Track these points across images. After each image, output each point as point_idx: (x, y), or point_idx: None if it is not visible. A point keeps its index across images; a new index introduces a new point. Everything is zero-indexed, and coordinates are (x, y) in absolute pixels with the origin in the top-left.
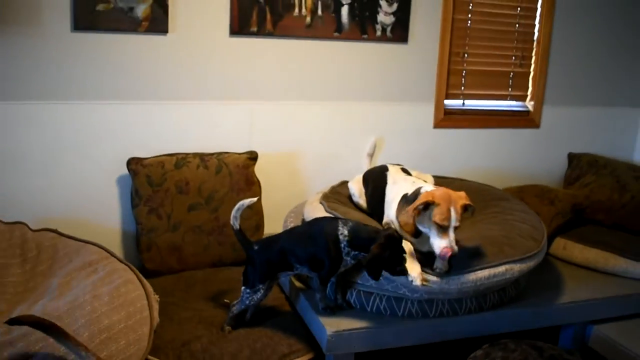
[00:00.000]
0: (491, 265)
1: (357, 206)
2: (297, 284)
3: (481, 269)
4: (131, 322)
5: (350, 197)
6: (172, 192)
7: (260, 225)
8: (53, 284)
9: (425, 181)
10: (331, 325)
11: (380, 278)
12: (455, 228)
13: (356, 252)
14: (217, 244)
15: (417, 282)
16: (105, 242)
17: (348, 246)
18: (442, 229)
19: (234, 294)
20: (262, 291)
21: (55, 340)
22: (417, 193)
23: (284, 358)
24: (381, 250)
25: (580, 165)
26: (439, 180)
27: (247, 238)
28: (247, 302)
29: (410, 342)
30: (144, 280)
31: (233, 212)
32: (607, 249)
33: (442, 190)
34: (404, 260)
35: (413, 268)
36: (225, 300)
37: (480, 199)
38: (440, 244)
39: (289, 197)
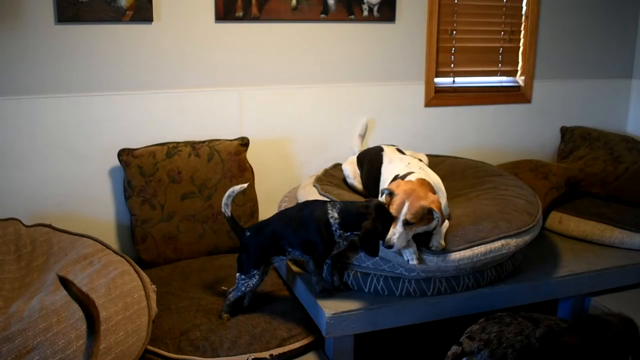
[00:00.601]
0: (487, 240)
1: (351, 188)
2: (294, 268)
3: (477, 245)
4: (129, 313)
5: (344, 180)
6: (164, 182)
7: (254, 211)
8: (49, 278)
9: (420, 160)
10: (329, 308)
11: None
12: (408, 223)
13: (348, 233)
14: (212, 232)
15: (414, 261)
16: (100, 235)
17: (340, 228)
18: (394, 219)
19: (231, 281)
20: (257, 277)
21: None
22: (404, 177)
23: (283, 342)
24: (374, 224)
25: (573, 138)
26: (433, 159)
27: (239, 225)
28: (243, 288)
29: (409, 321)
30: (141, 271)
31: (224, 200)
32: (603, 221)
33: (410, 185)
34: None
35: (409, 247)
36: (223, 288)
37: (474, 175)
38: (388, 234)
39: (283, 182)
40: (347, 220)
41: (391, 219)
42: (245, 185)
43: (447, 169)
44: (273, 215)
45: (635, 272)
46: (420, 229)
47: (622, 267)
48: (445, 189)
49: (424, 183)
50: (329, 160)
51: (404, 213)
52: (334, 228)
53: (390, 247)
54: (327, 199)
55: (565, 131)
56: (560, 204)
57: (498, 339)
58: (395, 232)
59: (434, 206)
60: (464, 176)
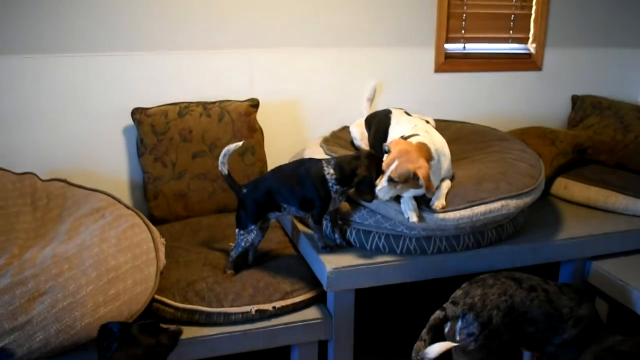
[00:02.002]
0: (487, 200)
1: (358, 150)
2: (299, 226)
3: (477, 204)
4: (138, 262)
5: (351, 142)
6: (176, 141)
7: (263, 171)
8: (62, 229)
9: (427, 122)
10: (331, 263)
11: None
12: (393, 181)
13: (345, 188)
14: (222, 191)
15: (414, 218)
16: (113, 192)
17: (337, 184)
18: (383, 172)
19: None
20: (255, 232)
21: None
22: (409, 137)
23: (286, 296)
24: (367, 170)
25: (583, 107)
26: (440, 124)
27: (235, 182)
28: (243, 244)
29: (409, 278)
30: (150, 225)
31: (220, 158)
32: (608, 187)
33: (406, 146)
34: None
35: (409, 205)
36: (230, 244)
37: (481, 139)
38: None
39: (292, 144)
40: (343, 175)
41: (381, 167)
42: (240, 143)
43: (453, 134)
44: (269, 172)
45: (638, 237)
46: (409, 191)
47: (625, 232)
48: (451, 151)
49: (421, 147)
50: (338, 123)
51: (391, 170)
52: (330, 184)
53: (373, 199)
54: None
55: (576, 100)
56: (567, 170)
57: (482, 301)
58: (380, 185)
59: (419, 172)
60: (469, 140)
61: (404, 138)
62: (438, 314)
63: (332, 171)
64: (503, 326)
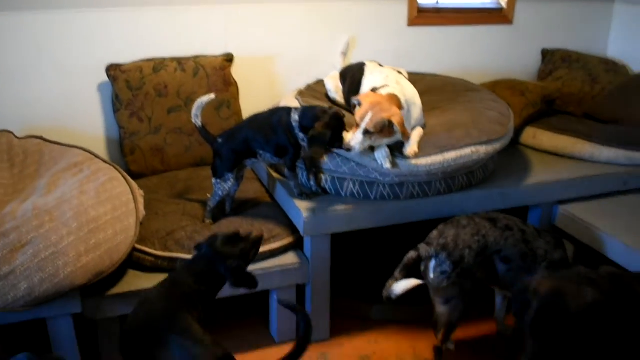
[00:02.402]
0: (458, 147)
1: (333, 103)
2: (275, 174)
3: (448, 150)
4: (117, 213)
5: (326, 95)
6: (151, 96)
7: None
8: (41, 184)
9: (400, 72)
10: (307, 209)
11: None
12: (368, 132)
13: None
14: (198, 145)
15: (387, 165)
16: (89, 148)
17: (300, 131)
18: (356, 125)
19: None
20: (231, 180)
21: None
22: (378, 90)
23: (264, 243)
24: (324, 128)
25: (553, 60)
26: (413, 76)
27: (210, 134)
28: (220, 193)
29: (382, 223)
30: (128, 178)
31: (193, 111)
32: (575, 135)
33: (377, 98)
34: (342, 138)
35: (382, 152)
36: (208, 195)
37: (452, 90)
38: (346, 137)
39: (267, 98)
40: (304, 122)
41: (342, 128)
42: (213, 95)
43: (426, 85)
44: (244, 120)
45: (602, 182)
46: (383, 141)
47: (590, 178)
48: (423, 103)
49: (392, 98)
50: (312, 78)
51: (366, 122)
52: (296, 131)
53: (348, 150)
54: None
55: (546, 53)
56: (536, 120)
57: (455, 241)
58: (355, 138)
59: (394, 119)
60: (442, 91)
61: (375, 90)
62: (411, 254)
63: (297, 117)
64: (475, 265)
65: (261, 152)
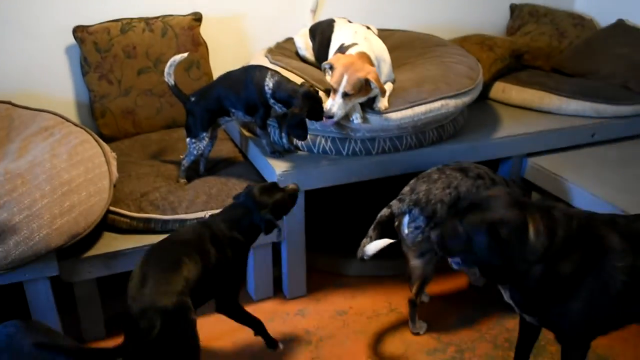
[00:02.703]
0: (427, 101)
1: (303, 60)
2: (247, 133)
3: (418, 104)
4: (90, 176)
5: (296, 52)
6: (120, 58)
7: None
8: (11, 148)
9: (368, 28)
10: (280, 167)
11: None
12: (347, 95)
13: (279, 105)
14: (170, 106)
15: (358, 119)
16: (59, 112)
17: (272, 97)
18: (333, 91)
19: None
20: (206, 139)
21: None
22: (348, 47)
23: None
24: (300, 110)
25: (521, 15)
26: (383, 32)
27: (182, 92)
28: (195, 152)
29: (355, 178)
30: (100, 140)
31: (166, 69)
32: (542, 88)
33: (349, 58)
34: (322, 113)
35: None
36: (181, 156)
37: (422, 45)
38: (326, 105)
39: (237, 57)
40: (278, 95)
41: (318, 103)
42: (186, 54)
43: (396, 41)
44: (217, 78)
45: (570, 135)
46: (361, 99)
47: (558, 130)
48: (393, 59)
49: (362, 56)
50: (282, 36)
51: (344, 85)
52: (268, 95)
53: (330, 117)
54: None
55: (514, 8)
56: (505, 75)
57: (426, 196)
58: (335, 103)
59: (370, 77)
60: (411, 47)
61: (343, 49)
62: (384, 211)
63: (271, 85)
64: None
65: (233, 110)
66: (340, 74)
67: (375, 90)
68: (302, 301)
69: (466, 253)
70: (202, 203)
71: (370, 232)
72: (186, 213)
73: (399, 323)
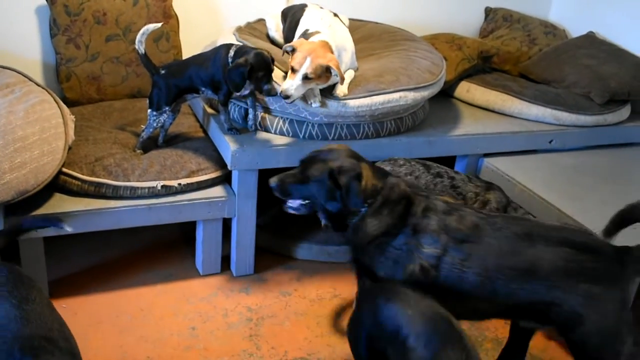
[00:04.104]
0: (386, 91)
1: (272, 42)
2: (209, 109)
3: (377, 94)
4: (45, 135)
5: (267, 34)
6: (90, 22)
7: (178, 59)
8: None
9: (336, 15)
10: (236, 144)
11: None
12: (306, 78)
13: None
14: (136, 76)
15: (316, 103)
16: (26, 72)
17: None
18: (292, 71)
19: None
20: (167, 113)
21: None
22: (311, 34)
23: (192, 174)
24: (244, 62)
25: (495, 19)
26: (355, 23)
27: (152, 63)
28: (155, 124)
29: None
30: (60, 102)
31: (138, 37)
32: (506, 91)
33: (312, 45)
34: (271, 80)
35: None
36: (142, 126)
37: (390, 38)
38: (283, 85)
39: (207, 33)
40: (236, 57)
41: (266, 65)
42: (160, 24)
43: (366, 32)
44: (190, 58)
45: (528, 139)
46: (319, 85)
47: (515, 133)
48: (360, 49)
49: (324, 45)
50: (255, 16)
51: (305, 67)
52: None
53: (287, 97)
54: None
55: (489, 11)
56: (471, 75)
57: None
58: (293, 84)
59: (332, 64)
60: (380, 39)
61: (309, 33)
62: None
63: (232, 53)
64: None
65: (203, 88)
66: (303, 57)
67: (335, 79)
68: (248, 279)
69: (307, 197)
70: (155, 173)
71: None
72: (138, 181)
73: (341, 309)
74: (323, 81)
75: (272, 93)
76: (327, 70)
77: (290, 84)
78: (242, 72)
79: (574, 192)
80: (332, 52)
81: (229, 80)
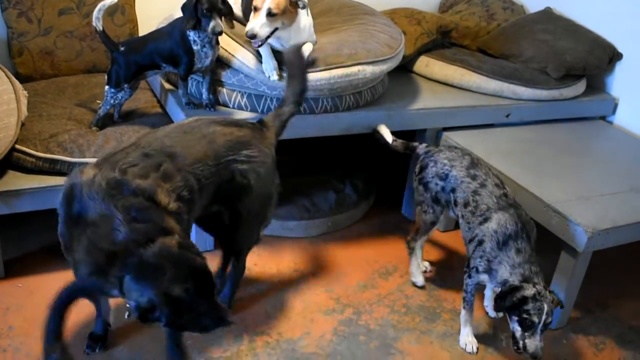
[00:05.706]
0: (344, 65)
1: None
2: (167, 85)
3: (335, 67)
4: None
5: None
6: None
7: (134, 33)
8: None
9: None
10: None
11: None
12: (271, 14)
13: (203, 36)
14: (91, 50)
15: (275, 77)
16: None
17: (191, 30)
18: (255, 10)
19: None
20: (126, 90)
21: None
22: None
23: None
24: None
25: None
26: None
27: (110, 39)
28: (112, 101)
29: None
30: (12, 77)
31: (95, 13)
32: (464, 66)
33: None
34: (216, 17)
35: (270, 64)
36: (97, 102)
37: (349, 12)
38: (248, 25)
39: (163, 8)
40: (184, 14)
41: (215, 9)
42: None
43: (325, 6)
44: (148, 34)
45: (485, 113)
46: (284, 25)
47: (474, 107)
48: (319, 23)
49: None
50: None
51: (268, 2)
52: (189, 38)
53: (253, 36)
54: None
55: None
56: (430, 50)
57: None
58: (258, 22)
59: None
60: (339, 13)
61: None
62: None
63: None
64: None
65: (164, 64)
66: None
67: (306, 12)
68: (207, 255)
69: None
70: (111, 149)
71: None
72: (94, 157)
73: (301, 283)
74: (289, 19)
75: (216, 30)
76: (291, 5)
77: (255, 22)
78: (188, 5)
79: (530, 165)
80: None
81: (184, 19)
